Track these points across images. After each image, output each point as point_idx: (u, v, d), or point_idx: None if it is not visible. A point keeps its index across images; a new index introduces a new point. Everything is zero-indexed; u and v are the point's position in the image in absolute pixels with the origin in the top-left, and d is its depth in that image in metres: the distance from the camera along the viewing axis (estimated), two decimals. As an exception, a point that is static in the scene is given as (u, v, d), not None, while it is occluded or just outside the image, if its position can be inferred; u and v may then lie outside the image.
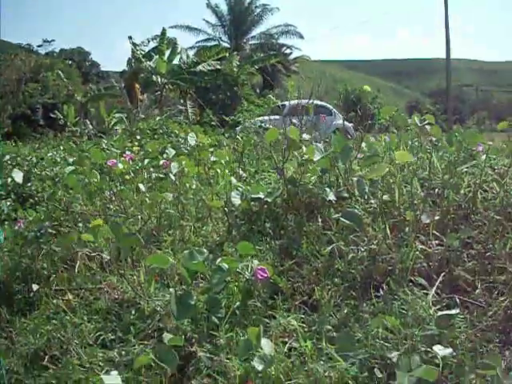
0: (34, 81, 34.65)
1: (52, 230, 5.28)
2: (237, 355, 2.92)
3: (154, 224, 5.14)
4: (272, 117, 20.94)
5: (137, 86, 29.88)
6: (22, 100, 33.27)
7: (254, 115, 22.66)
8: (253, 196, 4.79)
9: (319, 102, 21.71)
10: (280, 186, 4.97)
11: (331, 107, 26.48)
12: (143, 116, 20.14)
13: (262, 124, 16.38)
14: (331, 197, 4.39)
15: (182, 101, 31.87)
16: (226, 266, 3.25)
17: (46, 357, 3.44)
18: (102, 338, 3.53)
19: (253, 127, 14.61)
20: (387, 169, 4.44)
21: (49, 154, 11.38)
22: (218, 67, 30.96)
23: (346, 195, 4.47)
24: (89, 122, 21.70)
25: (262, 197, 4.77)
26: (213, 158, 6.78)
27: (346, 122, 23.30)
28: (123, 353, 3.30)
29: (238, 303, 3.40)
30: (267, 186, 5.14)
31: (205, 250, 3.45)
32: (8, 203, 6.51)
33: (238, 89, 31.86)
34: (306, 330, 3.32)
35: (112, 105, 29.00)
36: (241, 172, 6.07)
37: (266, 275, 3.30)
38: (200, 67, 30.28)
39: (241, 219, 4.86)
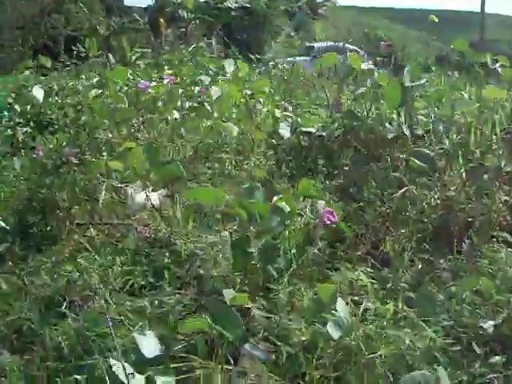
0: (57, 12, 33.70)
1: (74, 157, 4.72)
2: (300, 315, 2.36)
3: (190, 155, 4.54)
4: (300, 58, 20.12)
5: (161, 20, 28.93)
6: (44, 31, 32.45)
7: (283, 55, 21.87)
8: (304, 129, 4.18)
9: (350, 46, 20.88)
10: (333, 120, 4.33)
11: (362, 52, 25.50)
12: (168, 48, 19.33)
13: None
14: (407, 132, 3.75)
15: (206, 38, 30.96)
16: (287, 208, 2.66)
17: (65, 303, 2.89)
18: (130, 283, 2.98)
19: (285, 65, 13.83)
20: (477, 104, 3.80)
21: (70, 83, 10.80)
22: (247, 5, 29.90)
23: (420, 133, 3.83)
24: (111, 56, 20.96)
25: (314, 131, 4.15)
26: (247, 92, 6.13)
27: (372, 66, 22.32)
28: (156, 303, 2.75)
29: (294, 251, 2.83)
30: (318, 120, 4.51)
31: (260, 186, 2.85)
32: (25, 129, 5.93)
33: (264, 28, 30.91)
34: (376, 287, 2.74)
35: (135, 39, 28.18)
36: (285, 104, 5.41)
37: (334, 219, 2.70)
38: (228, 3, 29.21)
39: (288, 154, 4.26)
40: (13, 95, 9.02)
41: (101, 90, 5.11)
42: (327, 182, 3.75)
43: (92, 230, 3.58)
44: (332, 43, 22.97)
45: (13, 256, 3.69)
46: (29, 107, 8.06)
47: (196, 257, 2.97)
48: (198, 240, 3.14)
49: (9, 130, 7.23)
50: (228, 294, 2.20)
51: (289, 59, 17.95)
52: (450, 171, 3.53)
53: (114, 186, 3.88)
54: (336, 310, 2.19)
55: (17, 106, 8.47)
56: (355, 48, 22.50)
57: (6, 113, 7.89)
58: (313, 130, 4.15)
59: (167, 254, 3.12)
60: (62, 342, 2.59)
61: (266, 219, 2.64)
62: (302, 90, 8.21)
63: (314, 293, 2.62)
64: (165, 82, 5.15)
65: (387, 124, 4.00)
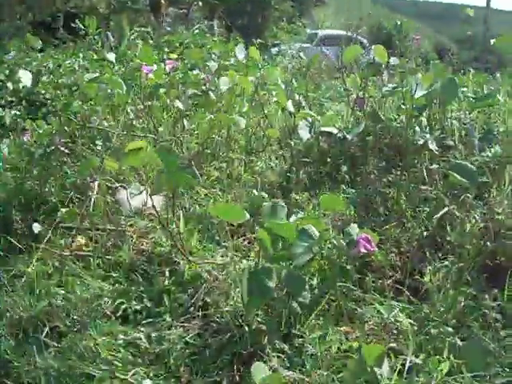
0: (57, -12, 32.95)
1: (64, 147, 4.28)
2: (331, 369, 1.92)
3: (194, 152, 4.07)
4: (303, 45, 19.56)
5: (162, 1, 28.29)
6: (43, 7, 31.73)
7: (287, 41, 21.37)
8: (323, 129, 3.72)
9: (359, 37, 20.18)
10: (357, 120, 3.88)
11: (366, 41, 24.88)
12: (169, 28, 18.77)
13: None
14: (432, 146, 3.30)
15: (207, 21, 30.37)
16: (316, 232, 2.21)
17: (46, 329, 2.45)
18: (123, 307, 2.54)
19: (289, 51, 13.29)
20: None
21: (67, 62, 10.33)
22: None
23: (451, 143, 3.39)
24: (110, 35, 20.39)
25: (336, 132, 3.70)
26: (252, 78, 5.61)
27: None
28: (153, 336, 2.32)
29: (316, 281, 2.40)
30: (339, 118, 4.04)
31: (284, 206, 2.39)
32: (13, 112, 5.44)
33: (267, 13, 30.39)
34: (416, 329, 2.31)
35: (135, 19, 27.62)
36: (299, 98, 4.91)
37: (372, 249, 2.26)
38: (232, -15, 28.64)
39: (304, 156, 3.80)
40: (6, 72, 8.55)
41: (95, 74, 4.61)
42: (350, 192, 3.30)
43: (80, 238, 3.11)
44: (337, 32, 22.27)
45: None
46: (21, 86, 7.61)
47: (202, 281, 2.52)
48: (203, 258, 2.70)
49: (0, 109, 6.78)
50: (257, 369, 1.73)
51: (296, 45, 17.34)
52: (495, 190, 3.06)
53: (108, 185, 3.42)
54: (380, 375, 1.75)
55: (9, 84, 8.00)
56: (362, 39, 21.91)
57: (-3, 91, 7.40)
58: (334, 130, 3.69)
59: (167, 274, 2.68)
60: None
61: (290, 244, 2.19)
62: (312, 81, 7.72)
63: (343, 335, 2.21)
64: (166, 67, 4.65)
65: (417, 128, 3.54)
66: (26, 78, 4.35)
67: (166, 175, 2.31)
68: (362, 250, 2.23)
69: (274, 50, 14.48)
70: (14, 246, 3.38)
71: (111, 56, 4.48)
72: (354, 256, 2.33)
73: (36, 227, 3.09)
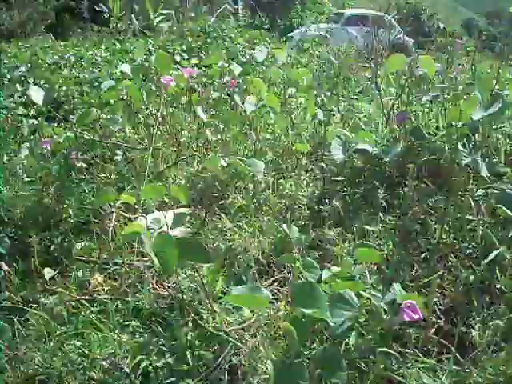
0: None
1: (82, 161, 4.09)
2: None
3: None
4: (329, 25, 19.03)
5: (185, -21, 27.85)
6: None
7: (311, 21, 20.89)
8: (357, 147, 3.44)
9: (379, 13, 19.51)
10: (396, 138, 3.59)
11: (393, 20, 24.15)
12: (193, 14, 18.45)
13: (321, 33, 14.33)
14: (484, 172, 3.00)
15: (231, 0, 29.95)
16: (355, 298, 1.95)
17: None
18: (143, 364, 2.32)
19: (313, 35, 12.90)
20: None
21: (89, 53, 10.16)
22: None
23: (504, 170, 3.09)
24: (134, 18, 20.26)
25: (370, 150, 3.42)
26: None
27: (406, 37, 21.24)
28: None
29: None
30: (374, 133, 3.74)
31: (316, 265, 2.14)
32: (31, 121, 5.23)
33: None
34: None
35: (159, 1, 27.36)
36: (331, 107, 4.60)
37: (417, 317, 1.99)
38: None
39: (337, 175, 3.52)
40: (28, 65, 8.42)
41: (114, 83, 4.37)
42: (388, 221, 3.03)
43: (97, 275, 2.90)
44: (363, 11, 21.40)
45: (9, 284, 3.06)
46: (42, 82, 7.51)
47: (228, 343, 2.29)
48: (231, 318, 2.46)
49: (21, 107, 6.64)
50: None
51: (321, 26, 16.85)
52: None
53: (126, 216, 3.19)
54: None
55: (30, 80, 7.90)
56: (394, 23, 21.29)
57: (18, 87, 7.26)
58: (369, 148, 3.41)
59: (190, 325, 2.45)
60: None
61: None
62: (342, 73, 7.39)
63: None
64: (185, 75, 4.39)
65: (459, 145, 3.24)
66: (37, 95, 4.04)
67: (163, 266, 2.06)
68: (406, 319, 1.97)
69: (298, 33, 14.10)
70: (30, 268, 3.23)
71: (126, 67, 4.23)
72: (395, 323, 2.07)
73: (48, 273, 2.87)
